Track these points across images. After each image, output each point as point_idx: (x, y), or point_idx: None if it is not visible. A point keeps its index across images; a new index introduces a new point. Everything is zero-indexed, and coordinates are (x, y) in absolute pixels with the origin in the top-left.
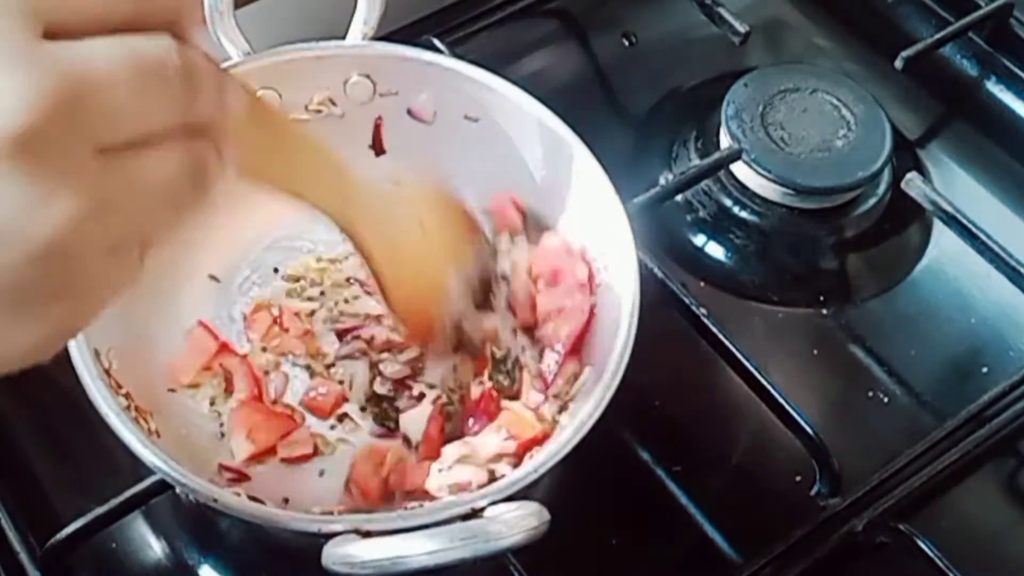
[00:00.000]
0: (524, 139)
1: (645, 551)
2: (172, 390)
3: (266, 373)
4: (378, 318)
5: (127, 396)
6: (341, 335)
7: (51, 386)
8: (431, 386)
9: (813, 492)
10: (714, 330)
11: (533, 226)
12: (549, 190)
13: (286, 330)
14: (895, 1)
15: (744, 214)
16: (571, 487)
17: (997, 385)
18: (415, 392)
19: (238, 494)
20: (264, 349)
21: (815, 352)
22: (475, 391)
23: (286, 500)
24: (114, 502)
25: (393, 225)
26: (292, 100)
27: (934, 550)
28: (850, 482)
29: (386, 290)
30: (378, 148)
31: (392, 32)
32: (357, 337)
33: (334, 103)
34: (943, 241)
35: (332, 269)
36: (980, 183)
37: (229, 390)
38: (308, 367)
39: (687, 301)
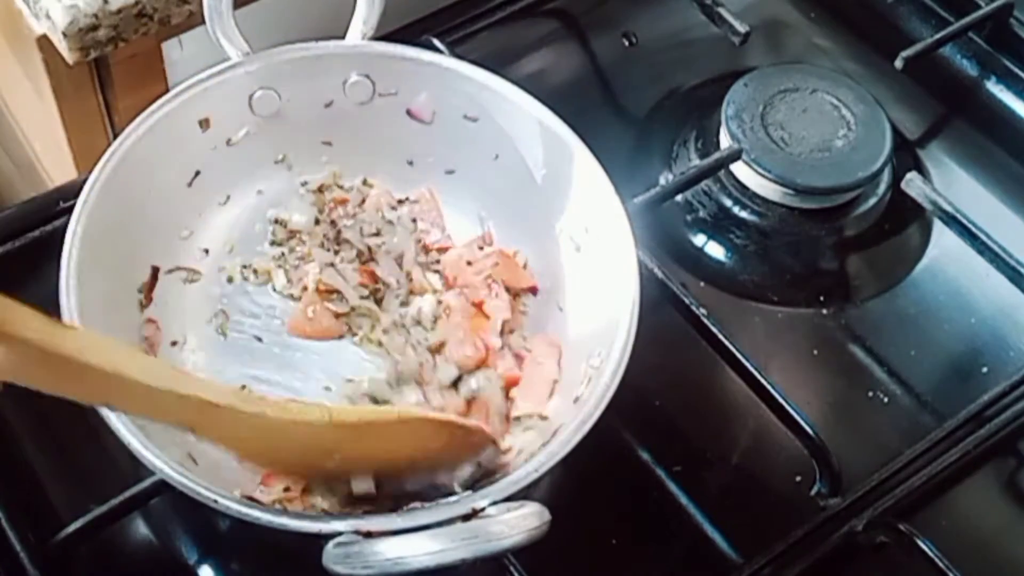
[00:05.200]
0: (524, 139)
1: (645, 551)
2: None
3: None
4: None
5: None
6: None
7: None
8: None
9: (813, 492)
10: (714, 330)
11: None
12: (549, 190)
13: None
14: (895, 1)
15: (744, 214)
16: (571, 487)
17: (997, 385)
18: None
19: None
20: None
21: (815, 352)
22: None
23: None
24: (114, 502)
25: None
26: (292, 100)
27: (934, 550)
28: (850, 482)
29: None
30: None
31: (392, 32)
32: None
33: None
34: (943, 241)
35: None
36: (980, 183)
37: None
38: None
39: (687, 301)
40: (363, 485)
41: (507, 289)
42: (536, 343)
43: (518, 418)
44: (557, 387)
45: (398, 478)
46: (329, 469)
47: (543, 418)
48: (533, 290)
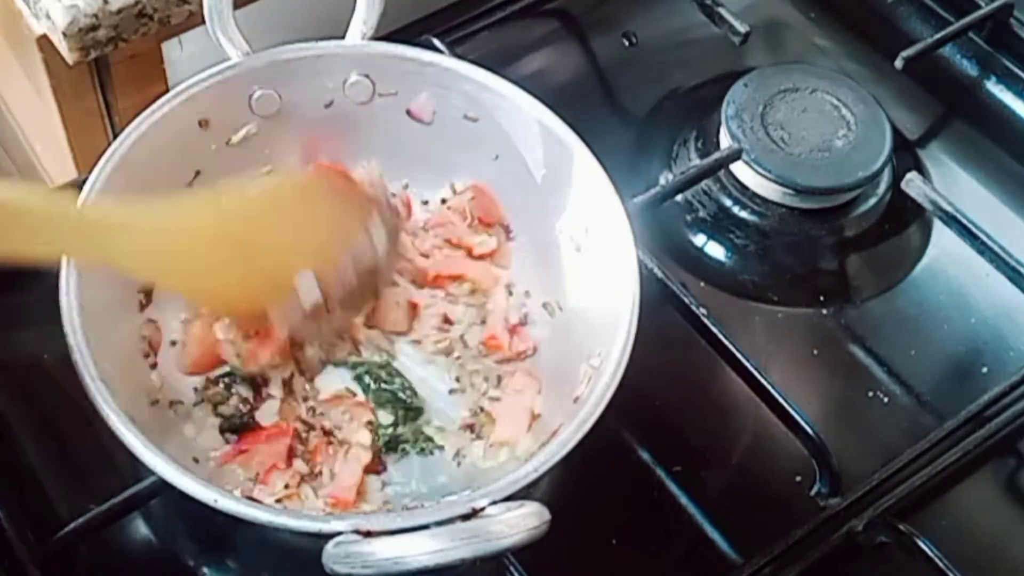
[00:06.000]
0: (524, 139)
1: (645, 551)
2: None
3: None
4: None
5: None
6: None
7: (51, 386)
8: None
9: (813, 492)
10: (714, 330)
11: None
12: (549, 190)
13: None
14: (895, 1)
15: (744, 214)
16: (571, 487)
17: (997, 385)
18: None
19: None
20: None
21: (815, 352)
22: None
23: None
24: (114, 502)
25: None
26: (292, 100)
27: (934, 550)
28: (850, 482)
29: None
30: None
31: (392, 32)
32: None
33: None
34: (943, 241)
35: None
36: (980, 183)
37: None
38: None
39: (687, 301)
40: (308, 289)
41: (481, 222)
42: (517, 375)
43: (492, 445)
44: (536, 423)
45: (332, 274)
46: (262, 274)
47: (512, 446)
48: (507, 229)
